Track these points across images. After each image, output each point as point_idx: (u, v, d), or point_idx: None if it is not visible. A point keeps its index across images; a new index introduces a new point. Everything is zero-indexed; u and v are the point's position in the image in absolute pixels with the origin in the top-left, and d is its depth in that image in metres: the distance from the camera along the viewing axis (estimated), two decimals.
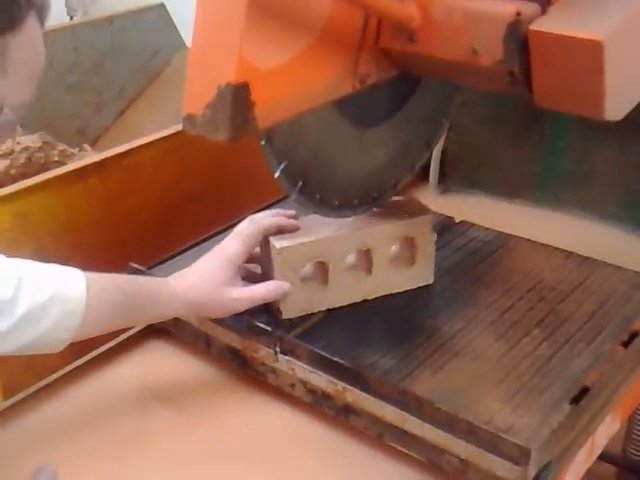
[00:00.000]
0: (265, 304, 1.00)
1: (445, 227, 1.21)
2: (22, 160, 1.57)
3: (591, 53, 0.74)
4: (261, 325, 0.98)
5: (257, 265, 1.03)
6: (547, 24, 0.77)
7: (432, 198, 1.55)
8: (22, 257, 1.02)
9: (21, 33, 0.57)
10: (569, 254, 1.13)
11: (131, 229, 1.23)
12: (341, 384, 0.91)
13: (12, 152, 1.59)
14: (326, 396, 0.93)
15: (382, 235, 1.01)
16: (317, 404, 0.94)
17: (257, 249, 1.01)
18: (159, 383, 1.04)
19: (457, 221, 1.23)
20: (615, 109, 0.79)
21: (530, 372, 0.91)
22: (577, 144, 1.34)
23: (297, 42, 0.79)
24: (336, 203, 0.98)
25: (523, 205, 1.43)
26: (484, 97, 1.34)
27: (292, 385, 0.96)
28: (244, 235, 0.97)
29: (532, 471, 0.80)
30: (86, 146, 1.81)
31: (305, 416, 0.97)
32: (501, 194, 1.44)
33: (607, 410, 0.90)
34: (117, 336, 1.10)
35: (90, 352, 1.08)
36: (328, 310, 1.02)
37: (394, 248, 1.03)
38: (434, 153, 1.46)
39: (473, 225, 1.22)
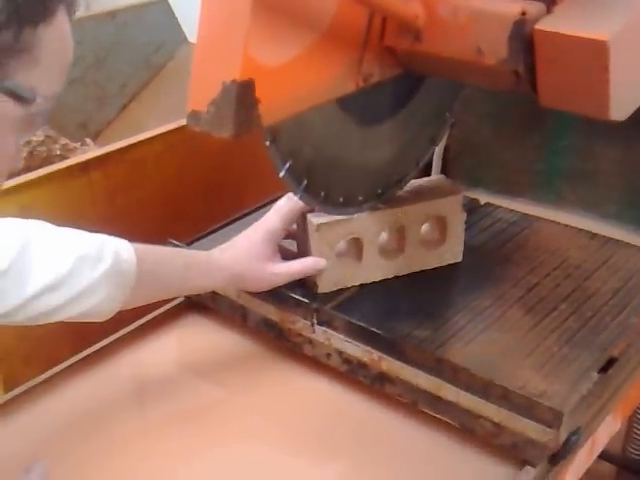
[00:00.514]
0: (301, 278, 1.03)
1: (471, 208, 1.24)
2: (24, 154, 1.58)
3: (596, 53, 0.74)
4: (298, 297, 1.01)
5: (293, 242, 1.07)
6: (552, 24, 0.77)
7: None
8: None
9: (52, 25, 0.59)
10: (593, 235, 1.17)
11: (133, 223, 1.22)
12: (377, 353, 0.95)
13: None
14: (362, 365, 0.97)
15: (415, 214, 1.04)
16: (353, 373, 0.98)
17: (294, 226, 1.05)
18: (196, 358, 1.08)
19: (482, 203, 1.27)
20: (620, 109, 0.79)
21: (559, 344, 0.94)
22: (580, 143, 1.34)
23: (302, 40, 0.80)
24: (340, 200, 0.99)
25: (525, 204, 1.40)
26: (487, 95, 1.35)
27: (328, 355, 1.00)
28: (283, 212, 1.01)
29: (563, 434, 0.83)
30: (88, 140, 1.83)
31: (341, 386, 1.01)
32: (503, 192, 1.43)
33: (634, 378, 0.94)
34: (153, 310, 1.13)
35: (125, 327, 1.11)
36: (361, 285, 1.05)
37: (425, 226, 1.07)
38: (436, 150, 1.42)
39: (499, 207, 1.25)
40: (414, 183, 1.08)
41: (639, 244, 1.16)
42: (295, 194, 0.93)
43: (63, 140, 1.68)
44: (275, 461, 0.92)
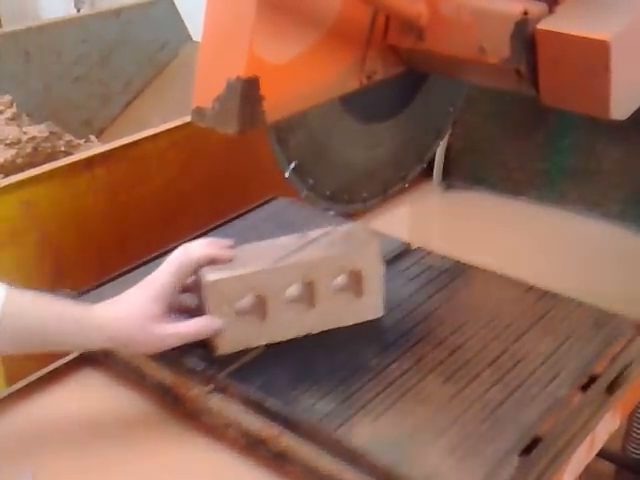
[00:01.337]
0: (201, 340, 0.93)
1: (401, 254, 1.15)
2: (29, 150, 1.58)
3: (598, 53, 0.75)
4: (192, 362, 0.91)
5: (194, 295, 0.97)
6: (554, 23, 0.79)
7: (436, 195, 1.54)
8: (27, 246, 1.12)
9: None
10: (530, 287, 1.07)
11: (136, 220, 1.26)
12: (276, 428, 0.85)
13: (19, 142, 1.58)
14: (260, 440, 0.86)
15: (325, 267, 0.94)
16: (253, 448, 0.88)
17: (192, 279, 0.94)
18: (91, 415, 0.97)
19: (414, 247, 1.17)
20: (621, 108, 0.80)
21: (478, 419, 0.84)
22: (583, 142, 1.33)
23: (306, 37, 0.81)
24: (346, 198, 1.01)
25: (527, 202, 1.42)
26: (490, 94, 1.33)
27: (226, 426, 0.89)
28: (175, 266, 0.90)
29: None
30: (92, 137, 1.82)
31: (242, 458, 0.90)
32: (505, 191, 1.44)
33: (560, 462, 0.84)
34: (49, 364, 1.03)
35: (18, 381, 1.02)
36: (268, 345, 0.95)
37: (340, 280, 0.97)
38: (438, 149, 1.45)
39: (430, 253, 1.15)
40: (327, 232, 0.98)
41: None
42: (300, 194, 0.94)
43: (67, 136, 1.67)
44: None
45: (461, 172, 1.48)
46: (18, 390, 1.00)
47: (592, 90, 0.78)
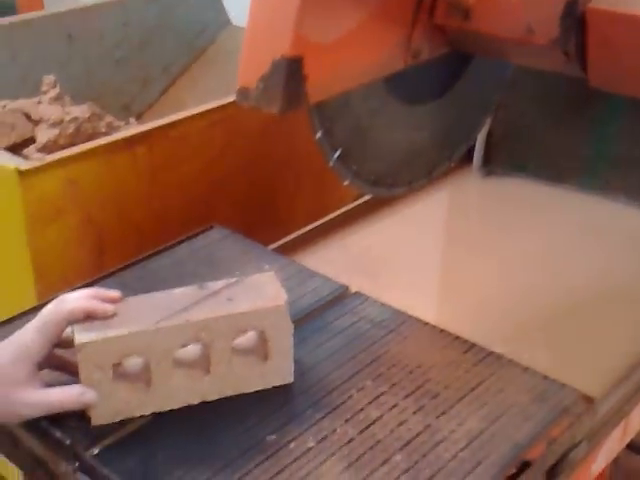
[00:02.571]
0: None
1: (335, 299, 1.02)
2: (71, 130, 1.58)
3: None
4: (59, 434, 0.80)
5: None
6: (606, 2, 0.77)
7: (475, 181, 1.51)
8: (70, 224, 1.17)
9: None
10: (470, 347, 0.93)
11: (176, 200, 1.29)
12: None
13: (62, 122, 1.58)
14: None
15: (220, 327, 0.82)
16: None
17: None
18: None
19: (353, 292, 1.04)
20: None
21: None
22: (628, 129, 1.30)
23: (352, 17, 0.80)
24: (390, 181, 1.00)
25: (570, 190, 1.40)
26: (534, 77, 1.27)
27: None
28: (41, 322, 0.79)
29: None
30: (132, 120, 1.82)
31: None
32: (547, 178, 1.41)
33: None
34: None
35: None
36: (155, 414, 0.83)
37: (242, 340, 0.85)
38: (479, 135, 1.41)
39: (368, 299, 1.02)
40: (231, 283, 0.86)
41: None
42: (344, 181, 0.94)
43: (108, 118, 1.66)
44: None
45: (502, 158, 1.46)
46: None
47: None
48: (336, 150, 0.91)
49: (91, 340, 0.78)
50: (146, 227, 1.27)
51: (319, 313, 0.99)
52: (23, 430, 0.83)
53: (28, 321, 0.81)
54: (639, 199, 1.32)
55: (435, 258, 1.35)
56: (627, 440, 0.98)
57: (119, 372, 0.81)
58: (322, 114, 0.92)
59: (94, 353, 0.78)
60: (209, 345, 0.82)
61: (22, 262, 1.17)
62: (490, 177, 1.51)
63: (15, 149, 1.53)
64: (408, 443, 0.80)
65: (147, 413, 0.83)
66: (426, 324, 0.98)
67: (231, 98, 1.33)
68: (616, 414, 0.93)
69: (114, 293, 0.84)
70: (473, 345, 0.94)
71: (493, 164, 1.50)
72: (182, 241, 1.15)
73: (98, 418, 0.81)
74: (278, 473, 0.77)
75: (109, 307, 0.81)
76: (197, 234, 1.16)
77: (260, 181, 1.42)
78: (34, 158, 1.39)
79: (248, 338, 0.85)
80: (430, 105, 1.02)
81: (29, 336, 0.79)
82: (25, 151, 1.56)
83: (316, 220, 1.35)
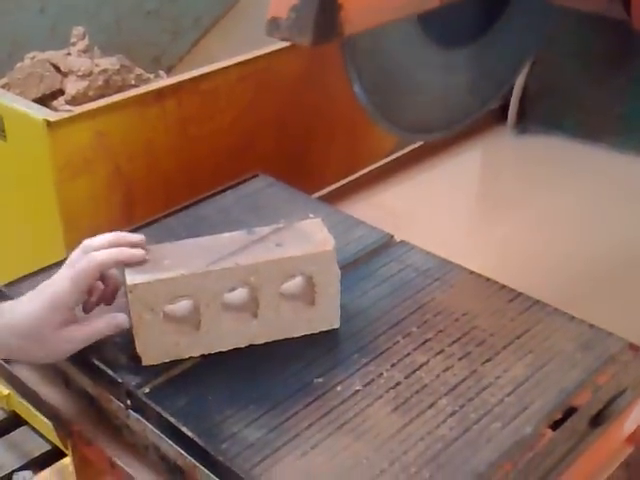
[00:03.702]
0: (129, 347, 0.83)
1: (380, 248, 1.02)
2: (100, 82, 1.60)
3: None
4: (111, 373, 0.81)
5: None
6: None
7: (509, 139, 1.50)
8: (100, 175, 1.18)
9: None
10: (516, 295, 0.93)
11: (204, 154, 1.29)
12: (190, 459, 0.75)
13: (91, 74, 1.60)
14: (178, 468, 0.77)
15: (269, 271, 0.83)
16: (172, 475, 0.78)
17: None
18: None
19: (398, 240, 1.05)
20: None
21: (422, 460, 0.72)
22: None
23: None
24: (425, 126, 1.00)
25: (605, 149, 1.37)
26: (571, 32, 1.27)
27: (145, 447, 0.80)
28: (74, 272, 0.79)
29: None
30: (162, 72, 1.84)
31: None
32: (582, 137, 1.38)
33: None
34: None
35: None
36: (205, 356, 0.85)
37: (290, 285, 0.85)
38: (514, 90, 1.41)
39: (414, 248, 1.02)
40: (278, 228, 0.87)
41: None
42: (369, 114, 0.91)
43: (138, 70, 1.69)
44: None
45: (536, 115, 1.43)
46: None
47: None
48: (371, 95, 0.90)
49: (142, 282, 0.79)
50: (175, 179, 1.27)
51: (364, 261, 1.00)
52: (76, 369, 0.85)
53: None
54: None
55: (467, 215, 1.35)
56: None
57: (169, 314, 0.82)
58: (354, 51, 0.90)
59: (145, 294, 0.80)
60: (258, 289, 0.83)
61: (51, 214, 1.18)
62: (524, 135, 1.50)
63: (44, 101, 1.55)
64: (454, 388, 0.80)
65: (196, 355, 0.84)
66: (471, 273, 0.98)
67: (262, 51, 1.34)
68: None
69: (137, 236, 0.84)
70: (519, 294, 0.93)
71: (527, 121, 1.48)
72: (227, 189, 1.15)
73: (148, 359, 0.83)
74: (326, 414, 0.78)
75: (138, 252, 0.81)
76: (242, 182, 1.17)
77: (291, 134, 1.41)
78: (63, 110, 1.40)
79: (295, 283, 0.86)
80: (465, 49, 1.00)
81: (63, 285, 0.79)
82: (54, 103, 1.57)
83: (348, 175, 1.35)
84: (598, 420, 0.82)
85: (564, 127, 1.42)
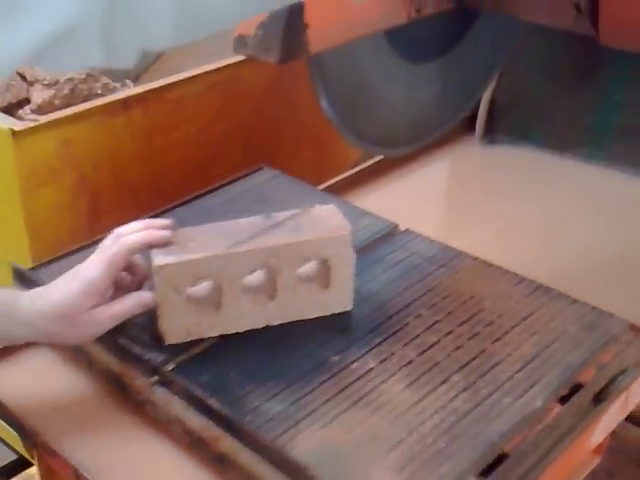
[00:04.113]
0: (151, 326, 0.86)
1: (385, 236, 1.06)
2: (66, 91, 1.55)
3: None
4: (137, 351, 0.84)
5: None
6: None
7: (477, 149, 1.50)
8: (65, 185, 1.16)
9: None
10: (521, 280, 0.97)
11: (171, 163, 1.28)
12: (216, 430, 0.78)
13: (57, 82, 1.56)
14: (202, 440, 0.80)
15: (288, 254, 0.86)
16: (195, 447, 0.81)
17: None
18: (37, 396, 0.91)
19: (402, 229, 1.08)
20: None
21: (437, 432, 0.76)
22: (633, 99, 1.27)
23: None
24: (390, 141, 1.01)
25: (573, 160, 1.38)
26: (539, 45, 1.27)
27: (169, 422, 0.83)
28: (106, 256, 0.82)
29: None
30: (128, 81, 1.79)
31: (185, 457, 0.83)
32: (550, 147, 1.39)
33: None
34: None
35: None
36: (223, 336, 0.88)
37: (305, 268, 0.89)
38: (482, 101, 1.41)
39: (418, 236, 1.06)
40: (295, 214, 0.90)
41: None
42: (335, 127, 0.93)
43: (104, 79, 1.64)
44: None
45: (504, 126, 1.44)
46: None
47: None
48: (337, 109, 0.90)
49: (168, 263, 0.82)
50: (142, 189, 1.26)
51: (372, 248, 1.03)
52: (101, 349, 0.88)
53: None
54: None
55: (434, 226, 1.34)
56: None
57: (191, 295, 0.86)
58: (321, 66, 0.90)
59: (170, 275, 0.83)
60: (276, 272, 0.86)
61: (17, 223, 1.17)
62: (492, 146, 1.50)
63: (10, 110, 1.52)
64: (465, 365, 0.84)
65: (215, 335, 0.87)
66: (475, 259, 1.02)
67: (229, 60, 1.31)
68: None
69: (165, 221, 0.87)
70: (523, 279, 0.97)
71: (495, 133, 1.48)
72: (232, 182, 1.18)
73: (170, 338, 0.86)
74: (342, 390, 0.81)
75: (165, 234, 0.85)
76: (247, 175, 1.20)
77: (257, 144, 1.41)
78: (29, 119, 1.32)
79: (311, 266, 0.89)
80: (433, 63, 1.01)
81: (94, 271, 0.81)
82: (20, 112, 1.53)
83: (314, 185, 1.29)
84: (601, 397, 0.85)
85: (532, 138, 1.43)
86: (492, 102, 1.42)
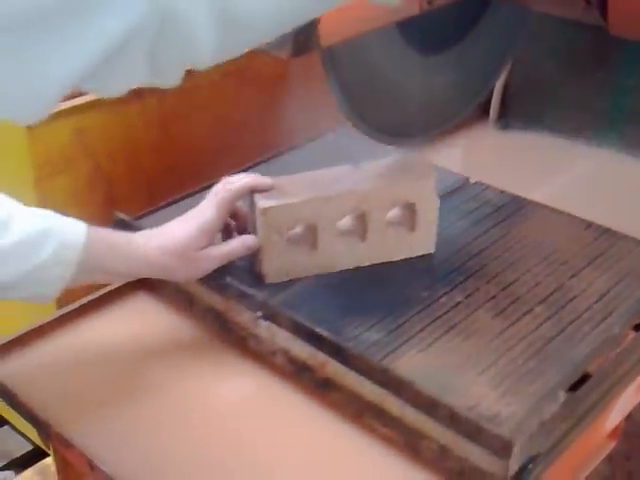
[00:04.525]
0: (251, 268, 0.94)
1: (458, 188, 1.13)
2: None
3: None
4: (243, 288, 0.92)
5: None
6: None
7: (491, 134, 1.51)
8: (80, 174, 1.15)
9: None
10: (589, 224, 1.04)
11: (186, 152, 1.26)
12: (321, 356, 0.85)
13: None
14: (307, 367, 0.87)
15: (378, 199, 0.93)
16: (298, 375, 0.89)
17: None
18: (141, 338, 0.98)
19: (472, 182, 1.15)
20: None
21: (526, 354, 0.83)
22: None
23: None
24: (405, 131, 0.99)
25: (586, 145, 1.37)
26: (551, 29, 1.28)
27: (273, 353, 0.90)
28: (217, 200, 0.90)
29: (514, 465, 0.73)
30: None
31: (287, 385, 0.91)
32: (564, 132, 1.38)
33: (608, 400, 0.82)
34: (103, 287, 1.05)
35: (71, 303, 1.03)
36: (317, 276, 0.95)
37: (393, 213, 0.96)
38: (495, 87, 1.41)
39: (488, 187, 1.13)
40: (382, 162, 0.97)
41: None
42: (357, 128, 0.93)
43: None
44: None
45: (518, 111, 1.44)
46: (69, 313, 1.02)
47: None
48: (351, 101, 0.90)
49: (271, 205, 0.90)
50: (156, 177, 1.26)
51: (446, 198, 1.09)
52: (204, 289, 0.96)
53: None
54: None
55: None
56: None
57: (290, 237, 0.93)
58: (333, 58, 0.90)
59: (274, 218, 0.90)
60: (367, 215, 0.93)
61: None
62: (506, 130, 1.50)
63: None
64: (546, 298, 0.91)
65: (310, 274, 0.95)
66: (544, 207, 1.08)
67: None
68: None
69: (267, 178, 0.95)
70: (591, 223, 1.04)
71: (509, 117, 1.49)
72: (304, 143, 1.25)
73: (271, 277, 0.93)
74: (434, 320, 0.88)
75: (268, 180, 0.92)
76: (319, 136, 1.26)
77: (273, 131, 1.36)
78: None
79: (398, 211, 0.96)
80: (446, 53, 1.01)
81: (207, 213, 0.90)
82: None
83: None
84: None
85: (545, 123, 1.42)
86: (505, 88, 1.43)
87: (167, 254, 0.88)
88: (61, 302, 1.05)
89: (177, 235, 0.88)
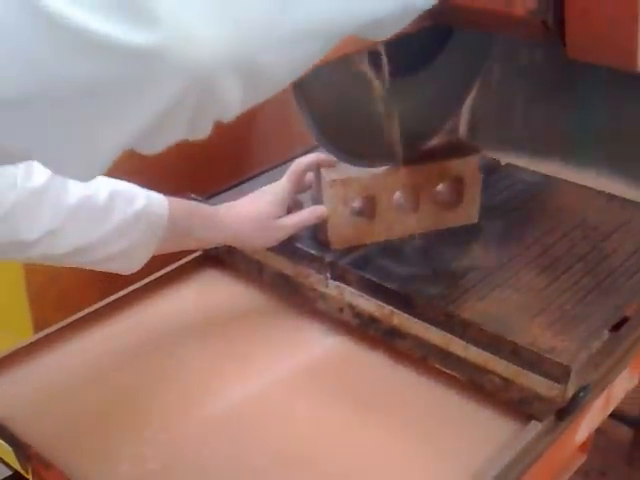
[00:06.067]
0: (316, 237, 1.04)
1: (491, 169, 1.24)
2: None
3: (626, 3, 0.72)
4: (313, 252, 1.02)
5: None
6: None
7: None
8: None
9: None
10: (612, 197, 1.16)
11: (160, 173, 1.16)
12: (388, 307, 0.96)
13: None
14: (373, 319, 0.97)
15: (430, 173, 1.04)
16: (364, 327, 0.99)
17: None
18: (213, 309, 1.09)
19: (503, 164, 1.27)
20: None
21: (571, 302, 0.94)
22: (611, 103, 1.29)
23: None
24: (362, 153, 1.01)
25: (553, 165, 1.35)
26: (517, 51, 1.33)
27: (340, 309, 1.00)
28: (289, 174, 1.03)
29: (571, 390, 0.83)
30: None
31: (352, 341, 1.01)
32: (530, 152, 1.37)
33: None
34: (172, 262, 1.14)
35: (145, 278, 1.11)
36: (375, 243, 1.06)
37: (442, 186, 1.07)
38: (464, 109, 1.43)
39: (519, 168, 1.25)
40: (431, 144, 1.08)
41: None
42: (318, 142, 0.97)
43: None
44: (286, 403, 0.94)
45: (485, 132, 1.45)
46: (145, 285, 1.11)
47: (619, 41, 0.75)
48: (320, 126, 0.95)
49: (341, 178, 1.00)
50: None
51: (483, 177, 1.21)
52: (274, 255, 1.06)
53: None
54: (620, 174, 1.29)
55: None
56: None
57: (352, 207, 1.03)
58: (306, 94, 0.94)
59: (341, 189, 1.01)
60: (421, 187, 1.04)
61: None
62: None
63: None
64: (583, 257, 1.02)
65: (370, 242, 1.05)
66: (572, 183, 1.20)
67: None
68: None
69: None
70: (614, 196, 1.16)
71: (478, 139, 1.47)
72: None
73: (336, 243, 1.04)
74: (486, 276, 0.99)
75: (333, 158, 1.03)
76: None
77: (247, 152, 1.44)
78: None
79: (447, 184, 1.07)
80: (412, 78, 1.02)
81: (280, 185, 1.02)
82: None
83: None
84: None
85: (512, 143, 1.40)
86: (473, 110, 1.45)
87: (247, 222, 0.98)
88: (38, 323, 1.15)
89: (251, 207, 0.99)
